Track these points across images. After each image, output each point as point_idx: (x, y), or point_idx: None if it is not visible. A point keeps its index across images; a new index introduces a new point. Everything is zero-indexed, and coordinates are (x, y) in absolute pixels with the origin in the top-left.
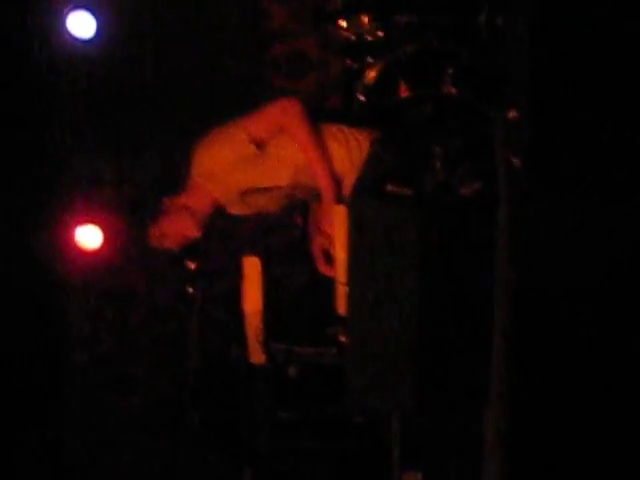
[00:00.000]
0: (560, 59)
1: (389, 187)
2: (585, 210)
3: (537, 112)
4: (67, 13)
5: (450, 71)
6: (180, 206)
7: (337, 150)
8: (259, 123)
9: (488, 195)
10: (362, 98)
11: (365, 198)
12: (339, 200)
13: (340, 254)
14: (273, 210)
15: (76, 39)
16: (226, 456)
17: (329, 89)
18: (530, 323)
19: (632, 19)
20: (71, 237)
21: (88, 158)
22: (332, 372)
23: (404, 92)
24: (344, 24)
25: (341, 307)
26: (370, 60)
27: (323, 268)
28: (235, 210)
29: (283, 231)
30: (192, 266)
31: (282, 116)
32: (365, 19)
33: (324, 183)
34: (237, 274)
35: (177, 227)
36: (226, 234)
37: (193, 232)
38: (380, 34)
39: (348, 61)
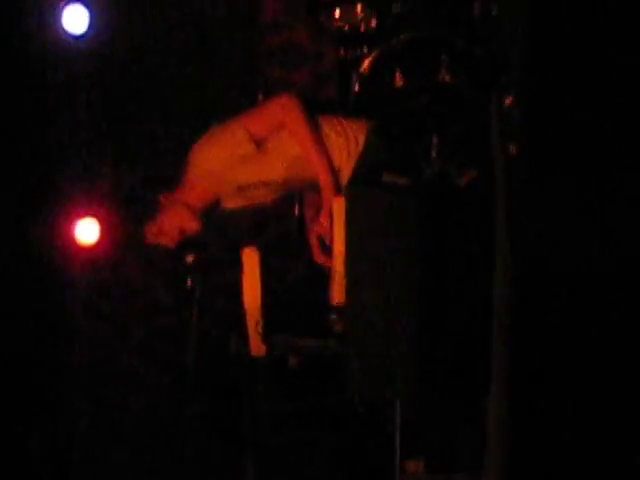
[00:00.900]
0: (555, 46)
1: (385, 176)
2: (582, 196)
3: (532, 99)
4: (61, 8)
5: (445, 59)
6: (176, 202)
7: (335, 141)
8: (258, 120)
9: (484, 183)
10: (357, 88)
11: (361, 187)
12: (338, 191)
13: (338, 245)
14: (270, 201)
15: (70, 34)
16: (228, 449)
17: (324, 80)
18: (530, 310)
19: (627, 7)
20: (69, 231)
21: (85, 153)
22: (333, 363)
23: (399, 81)
24: (338, 14)
25: (338, 296)
26: (364, 50)
27: (319, 257)
28: (231, 203)
29: (280, 222)
30: (190, 259)
31: (281, 112)
32: (359, 8)
33: (324, 176)
34: (235, 266)
35: (175, 222)
36: (223, 226)
37: (192, 226)
38: (374, 23)
39: (342, 51)
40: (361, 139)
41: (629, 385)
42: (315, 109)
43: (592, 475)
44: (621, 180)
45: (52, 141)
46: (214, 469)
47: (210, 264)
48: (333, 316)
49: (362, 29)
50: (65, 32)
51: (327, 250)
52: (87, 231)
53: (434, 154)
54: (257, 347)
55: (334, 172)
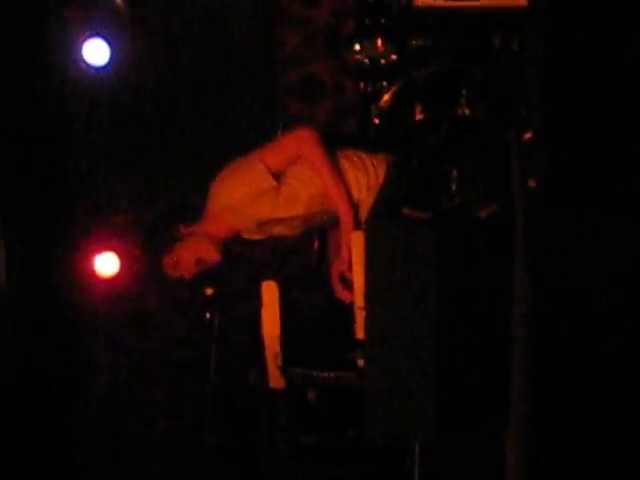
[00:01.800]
0: (575, 80)
1: (405, 210)
2: (602, 230)
3: (552, 133)
4: (83, 41)
5: (465, 93)
6: (198, 233)
7: (355, 175)
8: (276, 154)
9: (504, 217)
10: (377, 122)
11: (382, 222)
12: (357, 226)
13: (358, 279)
14: (290, 235)
15: (91, 66)
16: None
17: (344, 113)
18: (550, 342)
19: None
20: (88, 264)
21: (105, 186)
22: (351, 396)
23: (419, 115)
24: (358, 48)
25: (360, 332)
26: (385, 84)
27: (341, 294)
28: (251, 236)
29: (300, 256)
30: (209, 292)
31: (298, 146)
32: (379, 42)
33: (343, 210)
34: (255, 299)
35: (194, 253)
36: (243, 259)
37: (212, 256)
38: (394, 57)
39: (363, 85)
40: (381, 173)
41: None
42: (335, 143)
43: None
44: None
45: (72, 173)
46: None
47: (229, 297)
48: (356, 351)
49: (382, 63)
50: (86, 64)
51: (348, 285)
52: (107, 264)
53: (454, 188)
54: (276, 380)
55: (353, 206)
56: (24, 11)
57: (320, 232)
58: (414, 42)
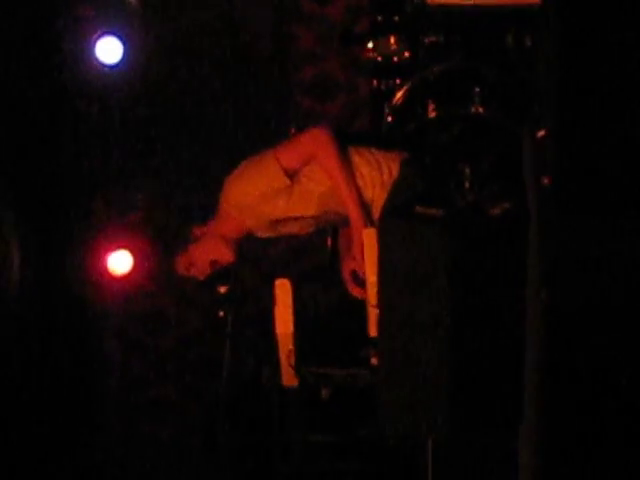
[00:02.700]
0: (588, 78)
1: (418, 208)
2: (615, 227)
3: (565, 131)
4: (96, 40)
5: (478, 91)
6: (211, 234)
7: (368, 173)
8: (290, 153)
9: (517, 215)
10: (390, 119)
11: (395, 220)
12: (369, 224)
13: (371, 277)
14: (303, 234)
15: (104, 64)
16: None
17: (357, 111)
18: (562, 340)
19: None
20: (102, 263)
21: (118, 184)
22: (364, 394)
23: (432, 113)
24: (371, 46)
25: (373, 329)
26: (397, 81)
27: (354, 290)
28: (264, 234)
29: (313, 253)
30: (222, 290)
31: (312, 145)
32: (392, 40)
33: (353, 211)
34: (268, 297)
35: (208, 254)
36: (256, 257)
37: (226, 257)
38: (407, 55)
39: (375, 82)
40: (394, 170)
41: None
42: (348, 141)
43: None
44: None
45: (85, 172)
46: None
47: (243, 295)
48: (370, 349)
49: (395, 60)
50: (99, 63)
51: (360, 283)
52: (120, 262)
53: (467, 185)
54: (289, 378)
55: (363, 205)
56: (37, 10)
57: (333, 230)
58: (427, 40)
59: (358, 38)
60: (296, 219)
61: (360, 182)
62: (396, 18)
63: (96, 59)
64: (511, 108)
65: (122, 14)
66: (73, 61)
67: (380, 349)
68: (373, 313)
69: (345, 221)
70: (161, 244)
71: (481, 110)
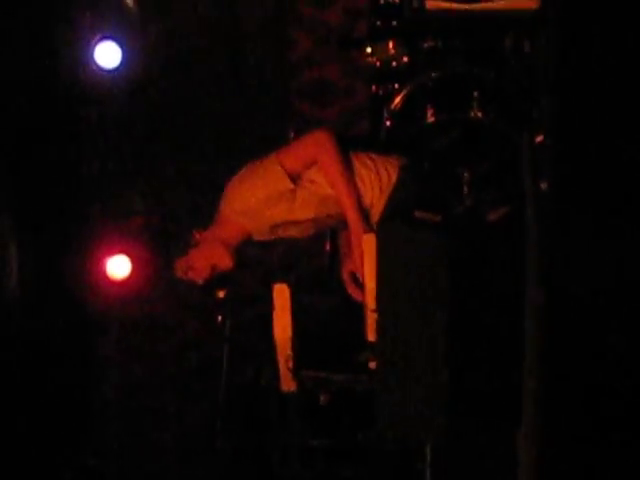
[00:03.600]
0: (587, 83)
1: (417, 213)
2: (613, 232)
3: (563, 136)
4: (94, 44)
5: (476, 96)
6: (211, 239)
7: (367, 177)
8: (292, 156)
9: (516, 219)
10: (389, 124)
11: (394, 225)
12: (368, 229)
13: (369, 282)
14: (302, 237)
15: (103, 69)
16: None
17: (355, 116)
18: (561, 344)
19: None
20: (100, 267)
21: (117, 189)
22: (363, 399)
23: (431, 117)
24: (369, 50)
25: (371, 334)
26: (396, 86)
27: (353, 292)
28: (263, 237)
29: (312, 258)
30: (221, 294)
31: (314, 148)
32: (390, 45)
33: (351, 215)
34: (266, 302)
35: (208, 259)
36: (255, 262)
37: (226, 263)
38: (405, 60)
39: (374, 87)
40: (393, 175)
41: None
42: (347, 146)
43: None
44: None
45: (84, 176)
46: None
47: (241, 299)
48: (368, 353)
49: (394, 65)
50: (98, 67)
51: (360, 286)
52: (118, 267)
53: (465, 190)
54: (287, 382)
55: (362, 209)
56: (35, 14)
57: (332, 234)
58: (426, 44)
59: (357, 43)
60: (297, 223)
61: (359, 186)
62: (395, 23)
63: (95, 64)
64: (509, 113)
65: (121, 19)
66: (72, 66)
67: (378, 354)
68: (372, 318)
69: (345, 224)
70: (160, 249)
71: (479, 115)
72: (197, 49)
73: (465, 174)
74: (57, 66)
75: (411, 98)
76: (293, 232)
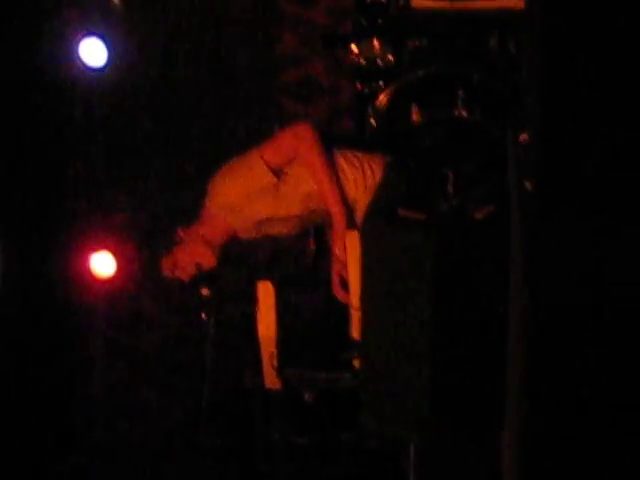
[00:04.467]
0: (572, 82)
1: (401, 212)
2: (598, 232)
3: (549, 135)
4: (79, 41)
5: (461, 94)
6: (195, 237)
7: (352, 175)
8: (274, 150)
9: (501, 218)
10: (374, 122)
11: (378, 223)
12: (352, 225)
13: (354, 279)
14: (286, 234)
15: (88, 67)
16: None
17: (340, 114)
18: (546, 343)
19: None
20: (85, 264)
21: (102, 186)
22: (347, 397)
23: (416, 116)
24: (355, 49)
25: (356, 332)
26: (381, 84)
27: (340, 295)
28: (248, 235)
29: (296, 256)
30: (205, 292)
31: (295, 141)
32: (376, 44)
33: (335, 210)
34: (251, 299)
35: (193, 257)
36: (239, 259)
37: (209, 262)
38: (391, 58)
39: (359, 85)
40: (378, 173)
41: None
42: (332, 143)
43: None
44: (638, 217)
45: (69, 174)
46: None
47: (225, 297)
48: (352, 351)
49: (379, 63)
50: (83, 64)
51: (346, 286)
52: (103, 264)
53: (450, 189)
54: (272, 380)
55: (346, 205)
56: (20, 11)
57: (316, 232)
58: (411, 43)
59: (342, 41)
60: (281, 219)
61: (344, 184)
62: (380, 21)
63: (80, 61)
64: (495, 112)
65: (106, 16)
66: (57, 63)
67: (363, 352)
68: (356, 316)
69: (331, 222)
70: (144, 246)
71: (465, 114)
72: (182, 47)
73: (450, 173)
74: (42, 64)
75: (396, 97)
76: (278, 229)
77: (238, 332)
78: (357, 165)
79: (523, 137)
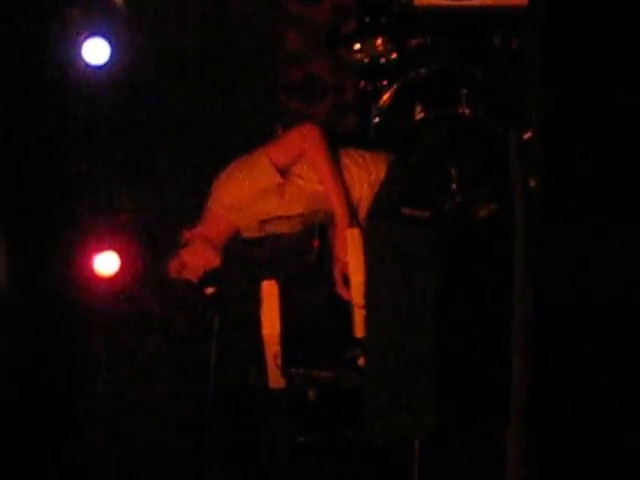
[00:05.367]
0: (575, 80)
1: (405, 210)
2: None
3: (552, 132)
4: (82, 40)
5: (465, 92)
6: (199, 238)
7: (357, 173)
8: (280, 149)
9: (504, 216)
10: (377, 120)
11: (381, 221)
12: (355, 224)
13: (356, 277)
14: (289, 233)
15: (91, 66)
16: None
17: (344, 112)
18: (548, 341)
19: None
20: (88, 264)
21: (105, 185)
22: (351, 395)
23: (419, 114)
24: (358, 47)
25: (359, 330)
26: (384, 82)
27: (344, 293)
28: (251, 234)
29: (300, 255)
30: (209, 291)
31: (302, 141)
32: (379, 42)
33: (338, 209)
34: (255, 299)
35: (199, 259)
36: (243, 259)
37: (213, 263)
38: (394, 56)
39: (362, 84)
40: (381, 171)
41: None
42: (336, 141)
43: None
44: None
45: (72, 173)
46: None
47: (229, 296)
48: (356, 350)
49: (382, 62)
50: (86, 64)
51: (349, 285)
52: (107, 263)
53: (453, 187)
54: (276, 379)
55: (350, 204)
56: (23, 10)
57: (320, 231)
58: (414, 41)
59: (345, 39)
60: (285, 218)
61: (348, 181)
62: (383, 19)
63: (83, 60)
64: (498, 110)
65: (108, 15)
66: (60, 62)
67: (366, 350)
68: (359, 314)
69: (334, 221)
70: (148, 246)
71: (468, 112)
72: (185, 46)
73: (453, 170)
74: (45, 63)
75: (399, 94)
76: (282, 228)
77: (242, 331)
78: (361, 163)
79: (527, 135)
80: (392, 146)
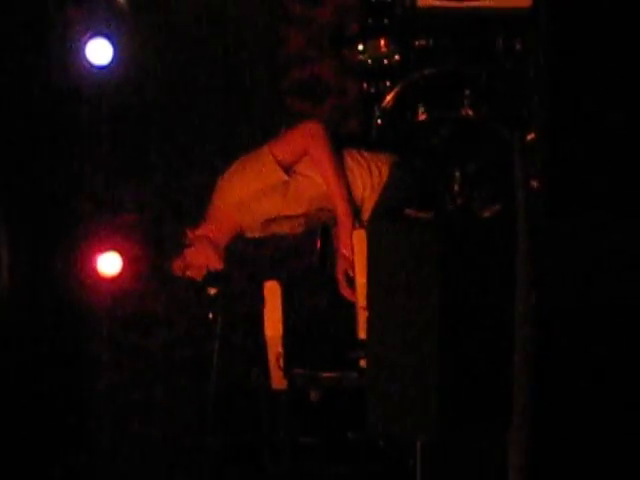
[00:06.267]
0: (578, 81)
1: (408, 211)
2: (604, 230)
3: (555, 134)
4: (85, 41)
5: (468, 94)
6: (203, 238)
7: (359, 174)
8: (284, 147)
9: (507, 217)
10: (380, 122)
11: (384, 223)
12: (358, 224)
13: (360, 278)
14: (292, 233)
15: (94, 66)
16: None
17: (347, 113)
18: (552, 342)
19: None
20: (92, 264)
21: (108, 185)
22: (354, 396)
23: (422, 115)
24: (361, 48)
25: (362, 331)
26: (387, 84)
27: (347, 293)
28: (254, 234)
29: (303, 255)
30: (212, 292)
31: (305, 139)
32: (382, 43)
33: (341, 209)
34: (257, 299)
35: (202, 258)
36: (246, 259)
37: (216, 264)
38: (397, 58)
39: (365, 85)
40: (384, 172)
41: None
42: (339, 142)
43: None
44: None
45: (75, 173)
46: None
47: (232, 297)
48: (359, 351)
49: (385, 63)
50: (89, 64)
51: (352, 284)
52: (109, 264)
53: (457, 188)
54: (278, 380)
55: (352, 203)
56: (26, 11)
57: (323, 231)
58: (417, 43)
59: (348, 41)
60: (288, 218)
61: (351, 182)
62: (386, 21)
63: (86, 60)
64: (501, 111)
65: (111, 15)
66: (63, 63)
67: (369, 351)
68: (362, 315)
69: (337, 221)
70: (151, 246)
71: (471, 113)
72: (188, 47)
73: (456, 172)
74: (48, 63)
75: (402, 96)
76: (285, 228)
77: (245, 332)
78: (364, 164)
79: (529, 137)
80: (395, 148)
